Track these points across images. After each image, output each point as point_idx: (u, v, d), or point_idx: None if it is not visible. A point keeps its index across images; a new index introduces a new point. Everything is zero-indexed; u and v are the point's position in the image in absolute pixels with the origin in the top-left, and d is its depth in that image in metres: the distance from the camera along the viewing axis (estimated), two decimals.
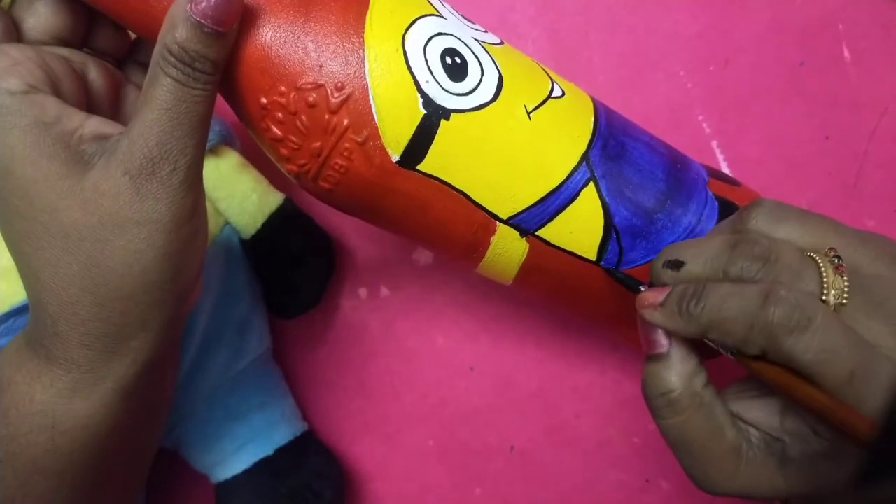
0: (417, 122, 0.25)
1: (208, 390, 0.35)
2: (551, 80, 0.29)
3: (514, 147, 0.27)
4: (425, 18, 0.26)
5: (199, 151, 0.24)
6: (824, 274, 0.23)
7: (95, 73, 0.26)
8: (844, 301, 0.22)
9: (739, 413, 0.25)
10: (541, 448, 0.40)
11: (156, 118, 0.23)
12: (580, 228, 0.28)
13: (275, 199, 0.35)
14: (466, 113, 0.26)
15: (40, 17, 0.26)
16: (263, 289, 0.37)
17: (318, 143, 0.25)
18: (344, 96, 0.25)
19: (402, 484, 0.41)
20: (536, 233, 0.28)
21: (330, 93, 0.25)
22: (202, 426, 0.35)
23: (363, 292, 0.40)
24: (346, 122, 0.25)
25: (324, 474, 0.37)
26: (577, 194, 0.27)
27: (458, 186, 0.27)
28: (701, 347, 0.25)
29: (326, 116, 0.25)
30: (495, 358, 0.40)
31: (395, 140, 0.25)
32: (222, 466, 0.36)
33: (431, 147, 0.26)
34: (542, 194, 0.27)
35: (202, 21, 0.22)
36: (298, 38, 0.25)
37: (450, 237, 0.28)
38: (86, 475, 0.25)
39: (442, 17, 0.27)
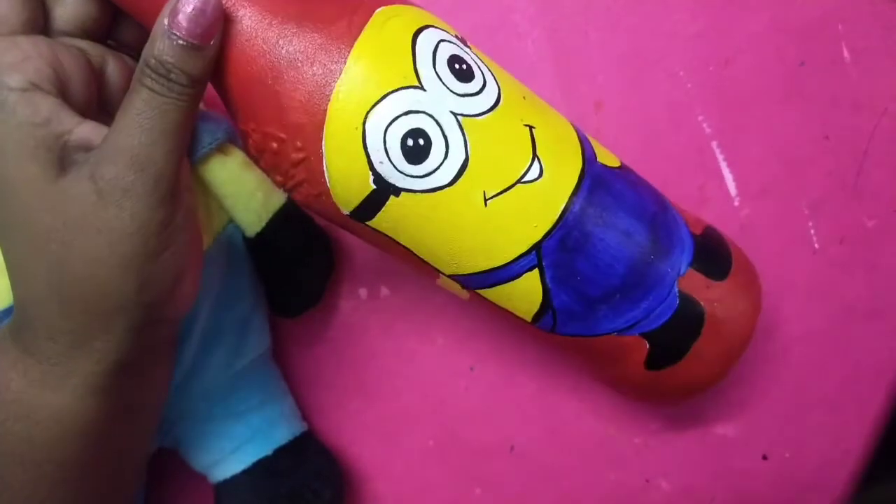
0: (366, 194, 0.26)
1: (207, 389, 0.35)
2: (534, 158, 0.27)
3: (461, 229, 0.27)
4: (400, 93, 0.25)
5: (170, 163, 0.24)
6: None
7: (113, 68, 0.27)
8: None
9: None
10: (541, 448, 0.40)
11: (125, 125, 0.23)
12: (518, 300, 0.29)
13: (278, 198, 0.35)
14: (417, 193, 0.26)
15: (67, 7, 0.26)
16: (265, 287, 0.37)
17: (280, 179, 0.27)
18: (301, 156, 0.26)
19: (402, 484, 0.41)
20: (476, 290, 0.29)
21: (291, 147, 0.26)
22: (201, 425, 0.35)
23: (363, 292, 0.40)
24: (303, 176, 0.26)
25: (323, 474, 0.37)
26: (519, 276, 0.28)
27: (403, 244, 0.28)
28: None
29: (285, 165, 0.26)
30: (495, 358, 0.40)
31: (345, 202, 0.26)
32: (221, 466, 0.36)
33: (379, 214, 0.26)
34: (483, 269, 0.28)
35: (179, 34, 0.23)
36: (272, 88, 0.25)
37: (410, 266, 0.30)
38: (66, 469, 0.25)
39: (422, 88, 0.25)
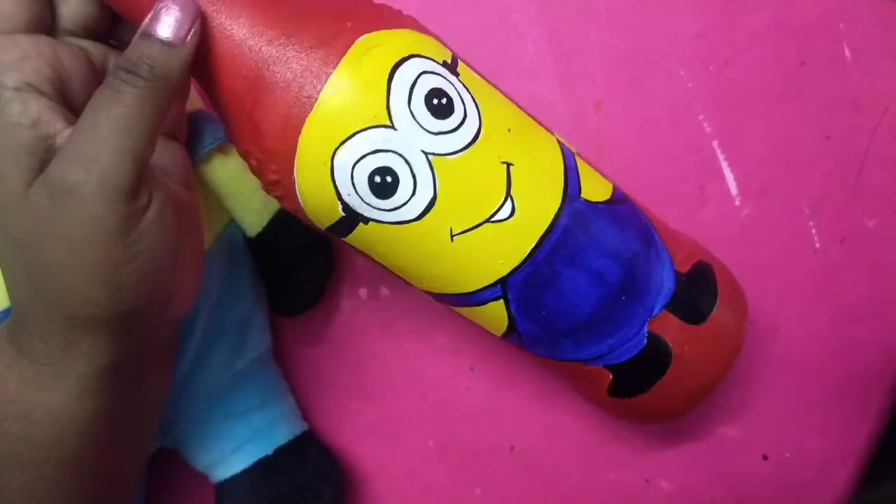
0: (336, 219, 0.27)
1: (208, 389, 0.35)
2: (507, 197, 0.26)
3: (427, 259, 0.27)
4: (368, 132, 0.25)
5: (119, 163, 0.22)
6: None
7: None
8: None
9: None
10: (541, 448, 0.40)
11: (78, 126, 0.22)
12: (486, 321, 0.29)
13: None
14: (385, 224, 0.26)
15: (70, 5, 0.26)
16: (266, 287, 0.37)
17: (264, 188, 0.28)
18: (277, 178, 0.26)
19: (402, 484, 0.41)
20: (448, 305, 0.30)
21: (267, 168, 0.26)
22: (202, 425, 0.35)
23: (363, 292, 0.40)
24: (279, 193, 0.27)
25: (323, 474, 0.37)
26: (485, 304, 0.28)
27: (378, 261, 0.28)
28: None
29: (264, 182, 0.27)
30: (495, 358, 0.40)
31: (318, 222, 0.27)
32: (222, 466, 0.36)
33: (351, 234, 0.27)
34: (450, 293, 0.29)
35: (151, 33, 0.23)
36: (250, 112, 0.25)
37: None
38: (65, 469, 0.25)
39: (393, 127, 0.25)
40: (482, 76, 0.29)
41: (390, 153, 0.25)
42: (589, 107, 0.38)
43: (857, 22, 0.37)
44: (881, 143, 0.37)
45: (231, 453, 0.36)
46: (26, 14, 0.24)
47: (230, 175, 0.33)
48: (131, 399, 0.27)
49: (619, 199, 0.30)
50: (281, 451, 0.36)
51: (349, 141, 0.25)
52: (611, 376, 0.30)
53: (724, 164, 0.38)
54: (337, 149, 0.25)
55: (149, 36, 0.23)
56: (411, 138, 0.25)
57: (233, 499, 0.36)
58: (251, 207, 0.34)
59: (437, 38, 0.28)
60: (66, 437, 0.25)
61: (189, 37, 0.24)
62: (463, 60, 0.28)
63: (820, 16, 0.37)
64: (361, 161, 0.25)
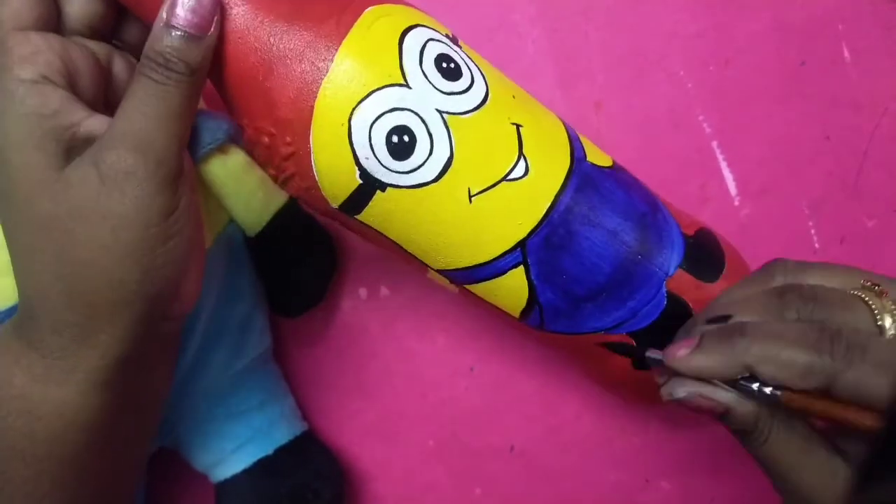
0: (353, 189, 0.27)
1: (208, 388, 0.35)
2: (520, 156, 0.27)
3: (447, 225, 0.27)
4: (384, 91, 0.25)
5: (171, 148, 0.24)
6: (871, 303, 0.23)
7: (119, 66, 0.27)
8: None
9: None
10: (541, 448, 0.40)
11: (126, 112, 0.24)
12: (505, 296, 0.29)
13: (280, 197, 0.35)
14: (403, 189, 0.26)
15: (75, 5, 0.26)
16: (266, 287, 0.37)
17: (273, 172, 0.28)
18: (291, 150, 0.26)
19: (402, 484, 0.41)
20: (464, 285, 0.29)
21: (281, 142, 0.26)
22: (202, 425, 0.35)
23: (363, 292, 0.40)
24: (292, 170, 0.27)
25: (324, 474, 0.37)
26: (505, 272, 0.28)
27: (391, 238, 0.28)
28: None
29: (277, 160, 0.27)
30: (495, 358, 0.40)
31: (333, 196, 0.27)
32: (222, 466, 0.36)
33: (366, 208, 0.27)
34: (469, 265, 0.28)
35: (177, 25, 0.24)
36: (263, 84, 0.26)
37: (401, 260, 0.30)
38: (66, 465, 0.25)
39: (407, 86, 0.25)
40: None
41: (406, 112, 0.25)
42: (589, 107, 0.39)
43: (857, 22, 0.37)
44: (881, 143, 0.37)
45: (231, 453, 0.36)
46: (34, 13, 0.25)
47: (230, 175, 0.33)
48: (134, 397, 0.27)
49: (619, 167, 0.30)
50: (281, 451, 0.36)
51: (366, 101, 0.25)
52: (634, 345, 0.30)
53: (724, 164, 0.38)
54: (354, 109, 0.25)
55: (177, 28, 0.24)
56: (426, 97, 0.26)
57: (233, 499, 0.36)
58: (251, 207, 0.34)
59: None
60: (70, 433, 0.25)
61: (213, 26, 0.25)
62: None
63: (820, 16, 0.37)
64: (379, 120, 0.25)
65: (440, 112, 0.26)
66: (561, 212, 0.27)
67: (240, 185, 0.34)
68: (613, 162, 0.30)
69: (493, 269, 0.28)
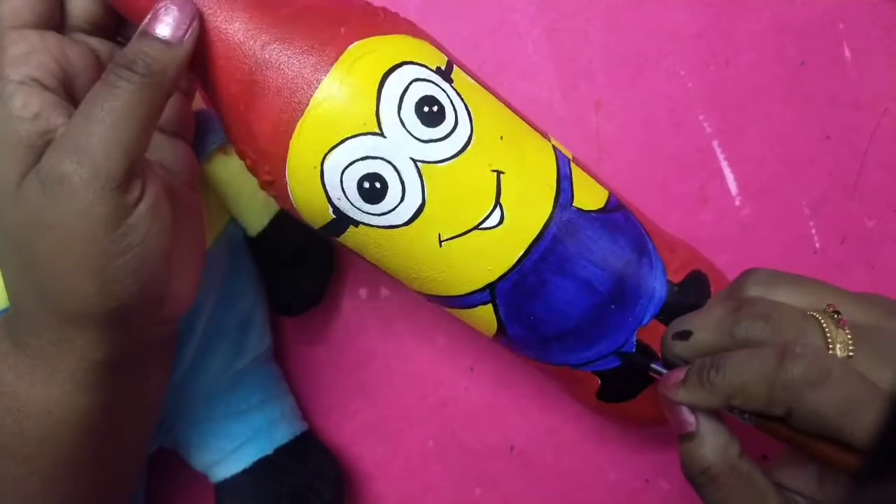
0: (327, 221, 0.27)
1: (208, 388, 0.35)
2: (496, 205, 0.26)
3: (417, 261, 0.27)
4: (358, 139, 0.25)
5: (111, 155, 0.22)
6: (827, 329, 0.23)
7: None
8: (850, 353, 0.23)
9: (781, 482, 0.25)
10: (541, 448, 0.40)
11: (72, 119, 0.23)
12: (476, 322, 0.30)
13: None
14: (375, 227, 0.26)
15: (78, 3, 0.26)
16: (267, 287, 0.37)
17: (260, 187, 0.28)
18: (270, 179, 0.27)
19: (402, 484, 0.41)
20: (440, 306, 0.30)
21: (261, 169, 0.27)
22: (201, 425, 0.35)
23: (363, 292, 0.40)
24: (274, 193, 0.27)
25: (324, 474, 0.37)
26: (474, 307, 0.29)
27: (368, 261, 0.29)
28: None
29: (259, 182, 0.27)
30: (495, 358, 0.40)
31: (311, 221, 0.28)
32: (222, 466, 0.36)
33: (342, 236, 0.28)
34: (440, 295, 0.29)
35: (148, 31, 0.24)
36: (244, 114, 0.26)
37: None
38: (58, 464, 0.25)
39: (382, 135, 0.25)
40: (479, 80, 0.29)
41: (379, 160, 0.25)
42: (589, 107, 0.38)
43: (857, 22, 0.37)
44: (881, 143, 0.37)
45: (231, 453, 0.36)
46: (35, 10, 0.24)
47: (232, 174, 0.33)
48: (127, 397, 0.27)
49: (613, 207, 0.29)
50: (281, 451, 0.36)
51: (338, 147, 0.25)
52: (599, 381, 0.30)
53: (724, 164, 0.38)
54: (326, 154, 0.25)
55: (147, 34, 0.24)
56: (400, 146, 0.25)
57: (233, 498, 0.36)
58: (252, 207, 0.34)
59: (433, 41, 0.28)
60: (60, 432, 0.25)
61: (186, 36, 0.24)
62: (459, 64, 0.28)
63: (820, 16, 0.37)
64: (350, 167, 0.25)
65: (415, 161, 0.25)
66: (534, 260, 0.27)
67: (241, 184, 0.34)
68: (607, 199, 0.29)
69: (462, 302, 0.29)
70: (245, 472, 0.36)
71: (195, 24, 0.24)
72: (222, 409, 0.36)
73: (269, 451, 0.36)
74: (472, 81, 0.28)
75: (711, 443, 0.24)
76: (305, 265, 0.37)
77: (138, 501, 0.36)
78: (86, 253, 0.22)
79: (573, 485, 0.40)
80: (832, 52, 0.37)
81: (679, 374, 0.25)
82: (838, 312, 0.24)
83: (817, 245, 0.38)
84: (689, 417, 0.25)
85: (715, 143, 0.38)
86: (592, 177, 0.30)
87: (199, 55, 0.25)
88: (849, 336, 0.23)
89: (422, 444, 0.40)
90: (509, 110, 0.29)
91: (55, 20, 0.25)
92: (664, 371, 0.27)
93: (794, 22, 0.37)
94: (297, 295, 0.37)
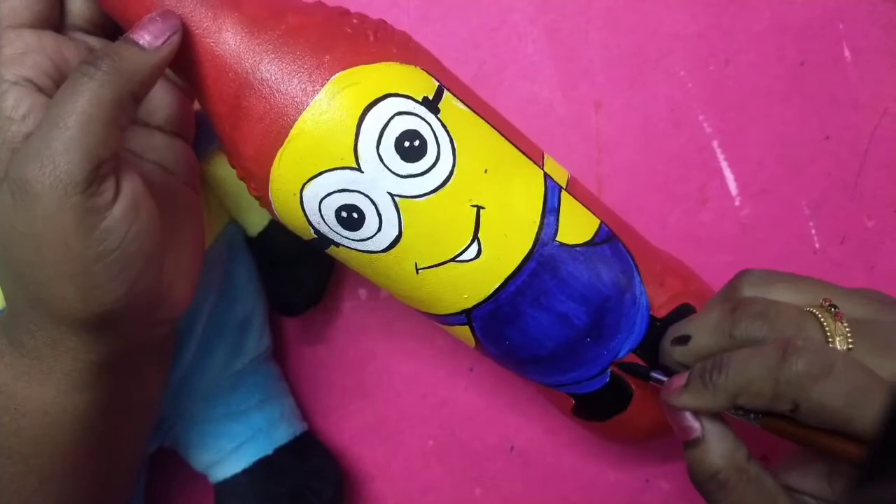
0: (311, 238, 0.28)
1: (207, 388, 0.35)
2: (474, 239, 0.26)
3: (396, 283, 0.28)
4: (335, 172, 0.25)
5: (71, 159, 0.21)
6: (825, 323, 0.23)
7: None
8: (850, 346, 0.23)
9: (789, 484, 0.25)
10: (541, 448, 0.40)
11: (40, 123, 0.22)
12: (458, 337, 0.30)
13: None
14: (353, 251, 0.27)
15: (78, 2, 0.26)
16: (268, 286, 0.37)
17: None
18: (257, 195, 0.27)
19: (402, 484, 0.41)
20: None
21: (249, 185, 0.27)
22: (201, 425, 0.35)
23: (363, 292, 0.40)
24: (263, 206, 0.28)
25: (323, 474, 0.37)
26: (453, 326, 0.29)
27: (354, 270, 0.29)
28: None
29: (251, 195, 0.28)
30: None
31: (299, 235, 0.28)
32: (221, 466, 0.36)
33: (327, 250, 0.28)
34: (421, 311, 0.30)
35: (126, 37, 0.23)
36: (230, 134, 0.26)
37: None
38: (55, 463, 0.25)
39: (359, 170, 0.25)
40: (473, 102, 0.28)
41: (356, 193, 0.25)
42: (589, 107, 0.38)
43: (857, 22, 0.37)
44: (881, 144, 0.37)
45: (231, 453, 0.36)
46: (33, 9, 0.24)
47: (232, 174, 0.33)
48: (125, 396, 0.27)
49: (602, 239, 0.29)
50: (281, 451, 0.36)
51: (316, 179, 0.25)
52: (573, 401, 0.31)
53: (724, 164, 0.38)
54: (305, 184, 0.25)
55: (125, 39, 0.24)
56: (377, 180, 0.25)
57: (232, 498, 0.36)
58: (253, 207, 0.34)
59: (428, 59, 0.28)
60: (56, 431, 0.25)
61: (162, 44, 0.24)
62: (453, 87, 0.27)
63: (820, 16, 0.37)
64: (328, 197, 0.26)
65: (392, 195, 0.26)
66: (510, 292, 0.27)
67: (241, 185, 0.34)
68: (597, 230, 0.29)
69: (441, 320, 0.29)
70: (245, 472, 0.36)
71: (175, 36, 0.24)
72: (222, 409, 0.36)
73: (268, 451, 0.36)
74: (464, 108, 0.27)
75: (718, 447, 0.24)
76: (305, 265, 0.37)
77: (138, 501, 0.36)
78: (59, 260, 0.22)
79: (573, 485, 0.39)
80: (832, 52, 0.37)
81: (681, 380, 0.25)
82: (835, 306, 0.24)
83: (817, 245, 0.38)
84: (694, 423, 0.25)
85: (715, 143, 0.38)
86: (587, 202, 0.29)
87: (191, 72, 0.26)
88: (847, 329, 0.23)
89: (422, 444, 0.40)
90: (501, 137, 0.28)
91: (54, 19, 0.25)
92: (665, 379, 0.27)
93: (794, 22, 0.37)
94: (297, 295, 0.37)
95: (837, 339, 0.23)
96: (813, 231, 0.38)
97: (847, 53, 0.37)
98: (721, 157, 0.38)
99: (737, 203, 0.38)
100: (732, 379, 0.23)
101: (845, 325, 0.23)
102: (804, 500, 0.25)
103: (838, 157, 0.37)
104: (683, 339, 0.26)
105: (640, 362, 0.29)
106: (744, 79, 0.38)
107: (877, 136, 0.37)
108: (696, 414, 0.25)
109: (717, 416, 0.25)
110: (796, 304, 0.24)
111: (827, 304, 0.24)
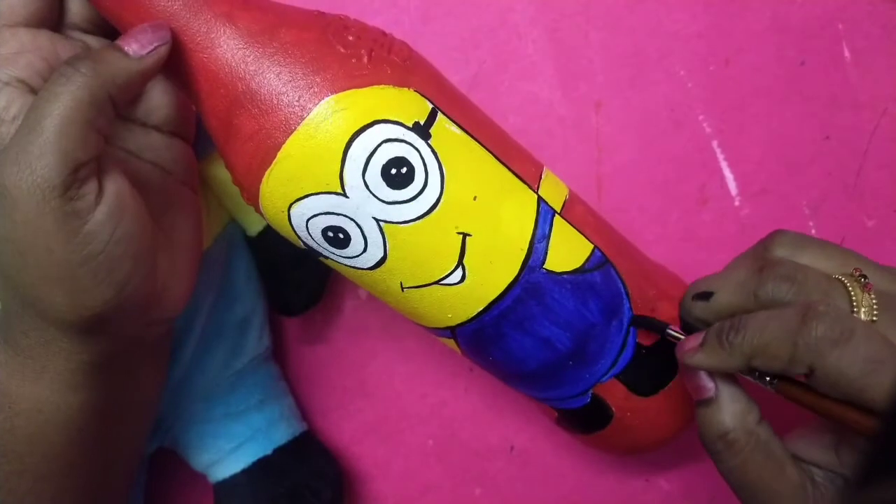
0: (302, 248, 0.28)
1: (207, 388, 0.35)
2: (459, 265, 0.26)
3: (384, 296, 0.29)
4: (320, 196, 0.25)
5: (47, 163, 0.21)
6: (853, 292, 0.23)
7: None
8: (875, 318, 0.23)
9: (797, 453, 0.25)
10: (541, 448, 0.40)
11: (19, 127, 0.22)
12: (445, 344, 0.30)
13: None
14: (342, 266, 0.28)
15: (75, 1, 0.26)
16: (267, 286, 0.37)
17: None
18: (251, 204, 0.27)
19: (402, 484, 0.41)
20: None
21: (242, 194, 0.27)
22: (200, 425, 0.35)
23: (363, 292, 0.40)
24: (257, 211, 0.28)
25: (323, 474, 0.37)
26: (439, 336, 0.30)
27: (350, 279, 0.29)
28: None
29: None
30: None
31: (294, 243, 0.28)
32: (220, 466, 0.36)
33: (319, 259, 0.28)
34: (410, 320, 0.30)
35: (113, 43, 0.23)
36: (223, 146, 0.26)
37: None
38: (50, 461, 0.25)
39: (344, 195, 0.25)
40: (471, 123, 0.27)
41: (341, 216, 0.26)
42: (589, 107, 0.38)
43: (857, 22, 0.37)
44: (881, 144, 0.37)
45: (230, 453, 0.36)
46: (30, 8, 0.24)
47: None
48: (120, 396, 0.27)
49: (593, 265, 0.28)
50: (280, 451, 0.36)
51: (303, 200, 0.25)
52: (556, 413, 0.32)
53: (724, 164, 0.38)
54: (292, 204, 0.26)
55: (112, 44, 0.23)
56: (362, 206, 0.25)
57: (232, 498, 0.36)
58: (252, 207, 0.34)
59: (426, 77, 0.27)
60: (50, 429, 0.25)
61: (147, 54, 0.23)
62: (450, 107, 0.27)
63: (820, 16, 0.37)
64: (315, 218, 0.26)
65: (377, 220, 0.26)
66: (494, 315, 0.27)
67: None
68: (589, 256, 0.28)
69: (430, 330, 0.30)
70: (244, 472, 0.36)
71: (163, 48, 0.24)
72: (221, 409, 0.36)
73: (268, 451, 0.36)
74: (457, 131, 0.27)
75: (730, 407, 0.24)
76: (305, 265, 0.37)
77: (138, 501, 0.36)
78: (44, 264, 0.22)
79: (573, 485, 0.39)
80: (832, 52, 0.37)
81: (697, 339, 0.25)
82: (865, 276, 0.23)
83: None
84: (708, 383, 0.24)
85: (715, 143, 0.38)
86: (583, 224, 0.29)
87: (186, 85, 0.26)
88: (874, 301, 0.23)
89: (422, 444, 0.40)
90: (495, 161, 0.27)
91: (51, 19, 0.25)
92: (681, 336, 0.26)
93: (794, 22, 0.37)
94: (296, 295, 0.37)
95: (863, 309, 0.23)
96: (813, 231, 0.38)
97: (847, 53, 0.37)
98: (721, 157, 0.38)
99: (737, 203, 0.38)
100: (749, 340, 0.23)
101: (872, 297, 0.23)
102: (811, 471, 0.25)
103: (838, 156, 0.37)
104: (706, 296, 0.25)
105: (622, 385, 0.29)
106: (744, 79, 0.38)
107: (877, 136, 0.37)
108: (711, 374, 0.24)
109: (731, 376, 0.25)
110: (825, 271, 0.24)
111: (857, 273, 0.24)
